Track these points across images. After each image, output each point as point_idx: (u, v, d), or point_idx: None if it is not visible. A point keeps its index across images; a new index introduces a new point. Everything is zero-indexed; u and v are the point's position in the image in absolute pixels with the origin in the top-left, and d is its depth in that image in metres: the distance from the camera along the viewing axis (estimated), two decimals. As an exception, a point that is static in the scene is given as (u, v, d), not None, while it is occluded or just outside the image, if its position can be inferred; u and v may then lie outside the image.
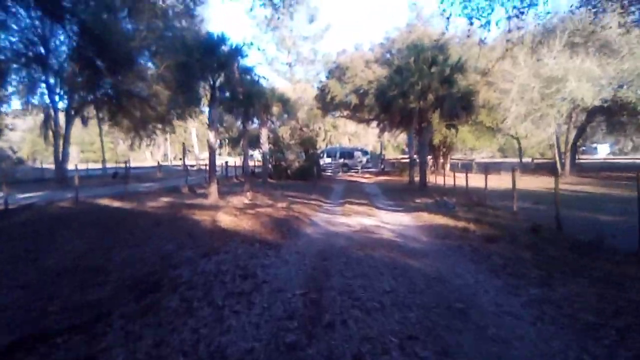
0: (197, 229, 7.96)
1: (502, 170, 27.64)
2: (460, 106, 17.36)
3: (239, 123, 23.49)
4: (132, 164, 36.29)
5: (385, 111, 20.25)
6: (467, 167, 24.10)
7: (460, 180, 17.17)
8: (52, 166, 22.56)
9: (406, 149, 51.34)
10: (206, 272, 5.18)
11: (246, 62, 16.49)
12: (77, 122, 25.50)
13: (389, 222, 9.82)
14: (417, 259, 6.03)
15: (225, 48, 14.54)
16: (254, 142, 25.60)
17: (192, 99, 13.69)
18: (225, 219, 9.06)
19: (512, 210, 10.78)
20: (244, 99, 17.28)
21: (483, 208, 11.70)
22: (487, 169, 14.54)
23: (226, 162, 27.64)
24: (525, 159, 36.87)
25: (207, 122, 15.01)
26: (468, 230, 8.05)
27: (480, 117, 23.86)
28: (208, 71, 14.23)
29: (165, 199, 13.73)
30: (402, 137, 43.76)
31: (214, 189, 14.22)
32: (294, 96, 30.29)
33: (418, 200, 14.17)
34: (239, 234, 7.60)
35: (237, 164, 28.22)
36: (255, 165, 29.88)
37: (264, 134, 22.35)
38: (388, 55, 30.62)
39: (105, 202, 12.76)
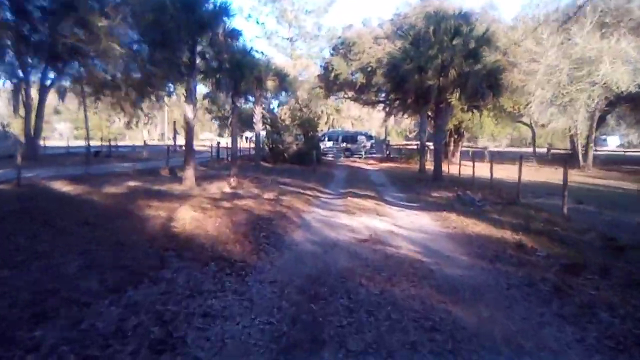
0: (136, 233, 5.56)
1: (518, 159, 25.21)
2: (486, 85, 14.77)
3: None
4: (127, 143, 34.14)
5: (397, 89, 17.57)
6: (479, 156, 21.66)
7: (478, 170, 14.79)
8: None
9: (410, 135, 48.84)
10: (90, 336, 2.80)
11: (234, 24, 14.06)
12: (72, 99, 23.20)
13: (405, 225, 7.42)
14: (467, 306, 3.64)
15: (208, 6, 12.14)
16: (250, 122, 23.24)
17: (165, 65, 11.17)
18: (186, 217, 6.68)
19: (560, 212, 8.43)
20: (232, 70, 14.78)
21: (520, 208, 9.34)
22: (521, 157, 12.09)
23: (218, 143, 25.26)
24: (538, 150, 34.38)
25: (185, 94, 12.49)
26: (524, 246, 5.62)
27: (502, 100, 21.29)
28: (186, 32, 11.73)
29: (132, 183, 11.49)
30: (406, 123, 41.17)
31: (190, 173, 11.89)
32: (295, 72, 27.68)
33: (435, 194, 11.78)
34: (192, 244, 5.22)
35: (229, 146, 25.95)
36: (250, 147, 27.58)
37: (258, 112, 19.89)
38: (399, 32, 27.94)
39: (57, 185, 10.56)
